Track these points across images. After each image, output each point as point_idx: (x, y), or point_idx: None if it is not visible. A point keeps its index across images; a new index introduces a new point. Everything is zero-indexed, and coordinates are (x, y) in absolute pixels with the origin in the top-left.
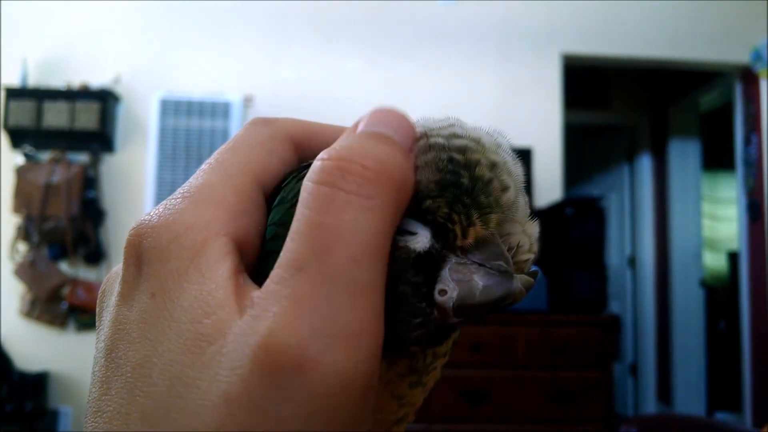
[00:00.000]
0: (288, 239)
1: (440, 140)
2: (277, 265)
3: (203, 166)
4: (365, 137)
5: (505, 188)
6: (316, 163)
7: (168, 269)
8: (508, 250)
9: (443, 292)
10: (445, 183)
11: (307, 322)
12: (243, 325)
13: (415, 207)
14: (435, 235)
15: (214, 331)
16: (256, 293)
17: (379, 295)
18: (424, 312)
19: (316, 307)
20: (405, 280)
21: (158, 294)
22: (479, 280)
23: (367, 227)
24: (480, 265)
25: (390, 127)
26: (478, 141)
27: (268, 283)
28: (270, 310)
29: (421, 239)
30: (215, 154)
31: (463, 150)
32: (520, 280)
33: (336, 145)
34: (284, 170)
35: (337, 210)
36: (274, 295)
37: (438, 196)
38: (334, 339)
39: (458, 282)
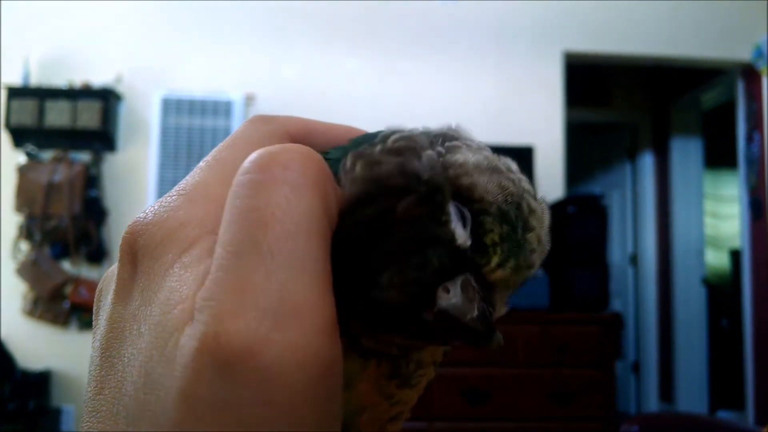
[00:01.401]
0: (222, 229)
1: (500, 165)
2: (215, 254)
3: (201, 164)
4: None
5: (539, 244)
6: (244, 162)
7: (158, 265)
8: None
9: (446, 290)
10: (504, 216)
11: (252, 303)
12: (195, 317)
13: (467, 206)
14: (473, 247)
15: (176, 322)
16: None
17: (322, 266)
18: (413, 282)
19: (258, 288)
20: (427, 254)
21: (146, 290)
22: (476, 310)
23: (299, 204)
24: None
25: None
26: (530, 187)
27: (208, 275)
28: (213, 298)
29: (466, 238)
30: (213, 152)
31: (524, 194)
32: (496, 339)
33: (263, 147)
34: None
35: (267, 193)
36: (215, 282)
37: (495, 220)
38: (280, 316)
39: (462, 296)
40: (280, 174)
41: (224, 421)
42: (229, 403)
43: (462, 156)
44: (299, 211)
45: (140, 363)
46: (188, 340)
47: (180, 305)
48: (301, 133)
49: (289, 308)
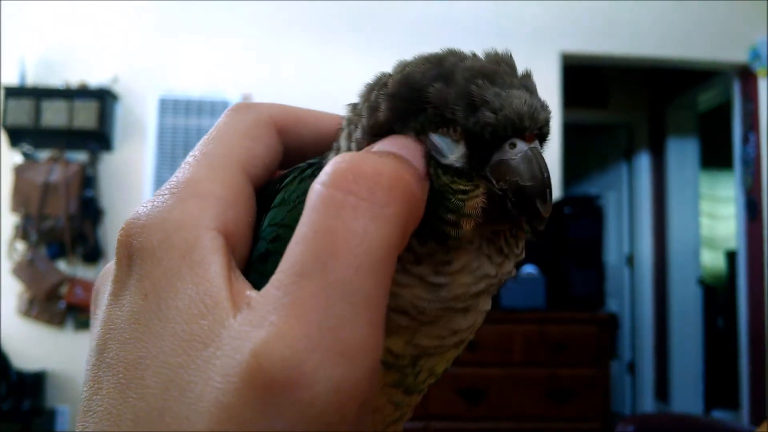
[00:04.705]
0: (292, 242)
1: None
2: (279, 269)
3: (188, 159)
4: (378, 152)
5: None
6: (328, 167)
7: (161, 270)
8: None
9: (513, 146)
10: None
11: (305, 333)
12: (238, 328)
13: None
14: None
15: (210, 332)
16: (255, 296)
17: (381, 309)
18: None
19: (315, 318)
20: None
21: (151, 294)
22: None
23: (377, 237)
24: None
25: (403, 149)
26: None
27: (268, 287)
28: (267, 318)
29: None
30: (199, 146)
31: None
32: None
33: (349, 154)
34: (270, 156)
35: (346, 216)
36: (274, 301)
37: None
38: (332, 354)
39: (524, 158)
40: (364, 198)
41: None
42: (261, 427)
43: None
44: (376, 245)
45: (157, 368)
46: (233, 352)
47: (209, 316)
48: (286, 121)
49: (342, 347)
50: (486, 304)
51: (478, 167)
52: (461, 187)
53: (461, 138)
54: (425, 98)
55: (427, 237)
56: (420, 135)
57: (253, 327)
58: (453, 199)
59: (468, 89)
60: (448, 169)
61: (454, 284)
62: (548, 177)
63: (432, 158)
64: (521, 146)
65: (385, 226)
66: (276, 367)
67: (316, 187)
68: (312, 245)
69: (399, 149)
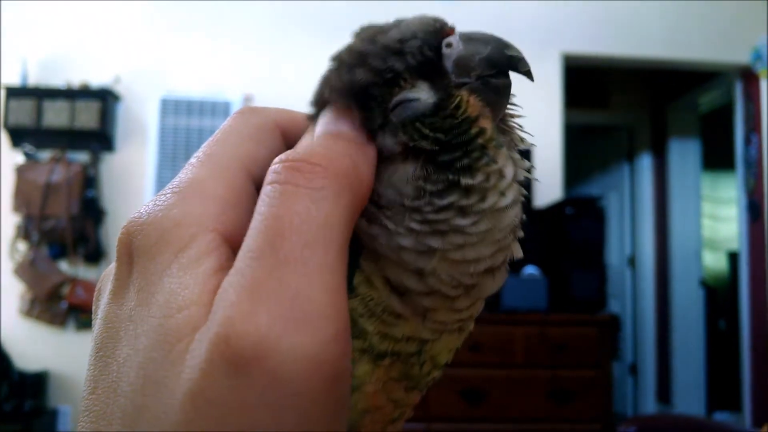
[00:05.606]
0: (246, 237)
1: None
2: (236, 260)
3: (192, 160)
4: (320, 138)
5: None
6: (270, 168)
7: (154, 266)
8: None
9: (449, 45)
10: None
11: (264, 307)
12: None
13: None
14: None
15: (184, 327)
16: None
17: (338, 276)
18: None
19: (272, 293)
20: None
21: (144, 290)
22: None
23: (319, 214)
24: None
25: (344, 122)
26: None
27: (227, 277)
28: (227, 300)
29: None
30: (204, 147)
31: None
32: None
33: (284, 153)
34: (273, 159)
35: (289, 202)
36: (231, 285)
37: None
38: (293, 322)
39: (466, 42)
40: (303, 183)
41: (231, 421)
42: (237, 405)
43: None
44: (318, 222)
45: (138, 365)
46: (199, 342)
47: (185, 310)
48: (290, 125)
49: (300, 314)
50: (518, 250)
51: (446, 86)
52: (452, 106)
53: (414, 81)
54: (364, 90)
55: (473, 166)
56: (386, 110)
57: (215, 313)
58: (458, 121)
59: (382, 47)
60: (429, 111)
61: (512, 208)
62: (493, 35)
63: (407, 127)
64: (453, 38)
65: (325, 204)
66: (240, 343)
67: (264, 188)
68: (262, 233)
69: (340, 124)
